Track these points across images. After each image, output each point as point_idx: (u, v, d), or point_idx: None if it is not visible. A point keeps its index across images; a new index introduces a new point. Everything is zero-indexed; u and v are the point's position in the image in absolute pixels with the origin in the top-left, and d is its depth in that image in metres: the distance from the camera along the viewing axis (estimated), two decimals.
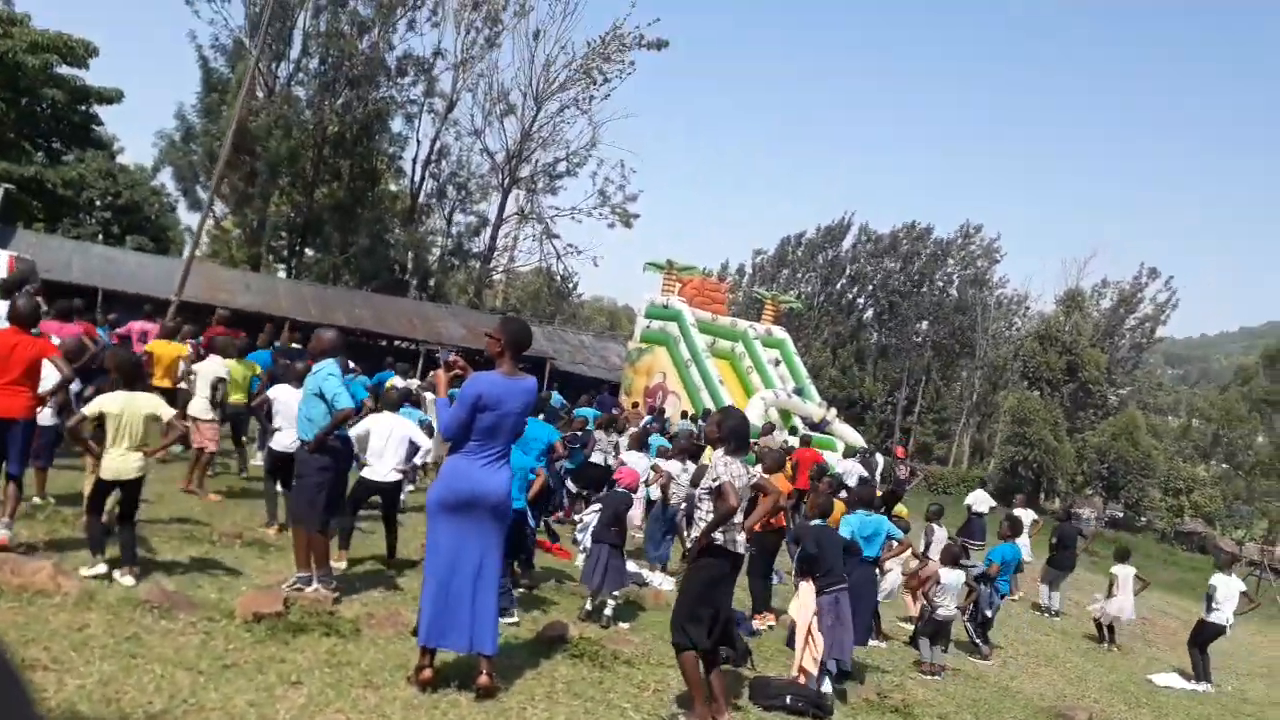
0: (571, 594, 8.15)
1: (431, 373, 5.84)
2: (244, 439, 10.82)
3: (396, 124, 36.83)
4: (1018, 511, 14.61)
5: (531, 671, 5.71)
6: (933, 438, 62.78)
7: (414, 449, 7.47)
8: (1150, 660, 11.69)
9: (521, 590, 7.76)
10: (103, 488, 6.04)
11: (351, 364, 16.91)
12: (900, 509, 18.84)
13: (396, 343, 28.80)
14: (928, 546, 11.40)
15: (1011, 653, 10.33)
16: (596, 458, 12.14)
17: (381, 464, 7.31)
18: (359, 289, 32.82)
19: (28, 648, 4.43)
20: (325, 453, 6.48)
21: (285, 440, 7.64)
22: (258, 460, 10.73)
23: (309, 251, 37.05)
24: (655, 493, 9.55)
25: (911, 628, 9.64)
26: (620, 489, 7.56)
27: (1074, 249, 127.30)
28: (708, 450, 8.78)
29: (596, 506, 7.52)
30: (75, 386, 7.69)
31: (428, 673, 4.98)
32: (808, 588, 6.75)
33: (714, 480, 5.39)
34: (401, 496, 8.59)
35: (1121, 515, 46.72)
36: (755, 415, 22.78)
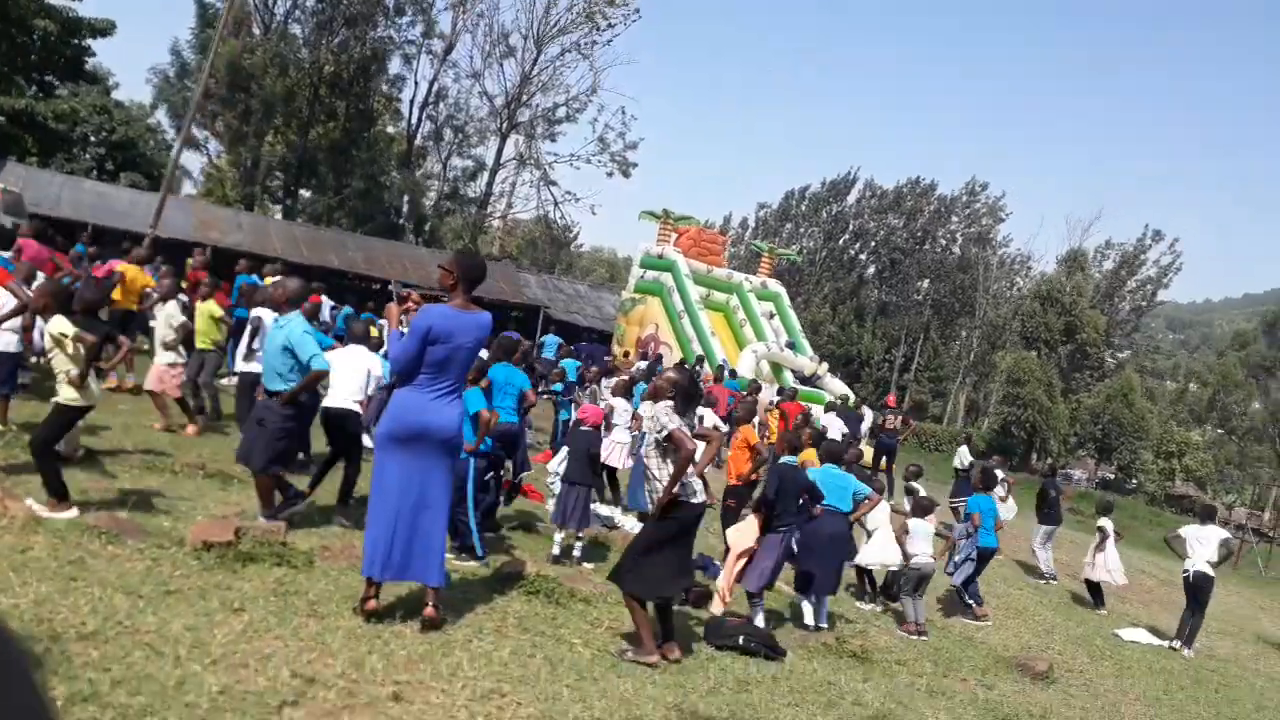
0: (540, 534, 8.16)
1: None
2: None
3: (394, 65, 36.34)
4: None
5: (484, 607, 5.72)
6: (928, 396, 62.84)
7: (370, 380, 7.43)
8: (1120, 616, 11.74)
9: (490, 535, 7.77)
10: (76, 417, 5.97)
11: (332, 303, 16.83)
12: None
13: (390, 286, 28.67)
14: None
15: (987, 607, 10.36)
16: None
17: (337, 393, 7.26)
18: (354, 231, 32.61)
19: None
20: (292, 404, 6.49)
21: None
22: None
23: (305, 193, 36.76)
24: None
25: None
26: (585, 428, 7.52)
27: (1080, 209, 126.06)
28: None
29: (564, 451, 7.50)
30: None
31: (373, 603, 4.98)
32: (753, 520, 6.81)
33: (661, 431, 5.35)
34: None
35: (1113, 477, 46.94)
36: (746, 368, 22.73)
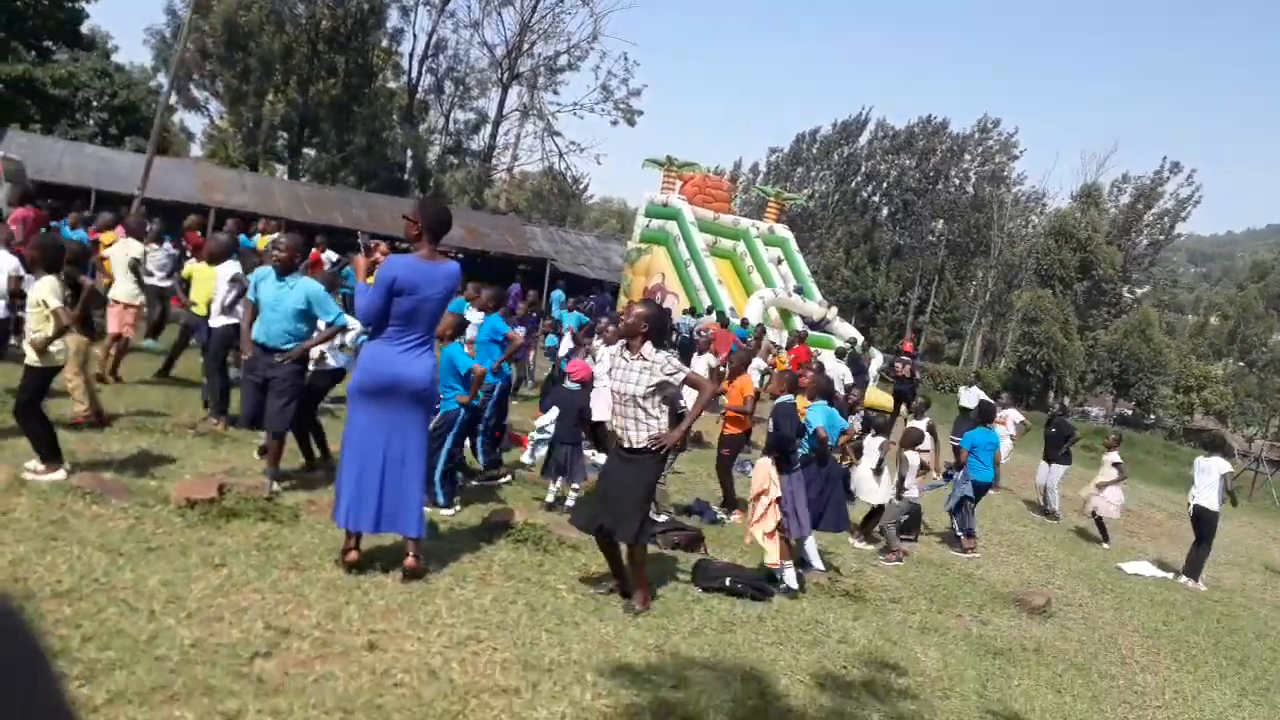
0: (528, 483, 8.18)
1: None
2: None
3: (392, 18, 35.85)
4: (1005, 411, 14.48)
5: (470, 555, 5.75)
6: (944, 338, 62.50)
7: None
8: (1126, 550, 11.72)
9: (476, 483, 7.80)
10: (46, 377, 5.97)
11: (335, 256, 16.79)
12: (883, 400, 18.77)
13: (398, 245, 28.60)
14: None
15: (984, 542, 10.34)
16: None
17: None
18: (358, 189, 32.47)
19: None
20: (300, 362, 6.48)
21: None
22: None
23: (309, 151, 36.57)
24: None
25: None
26: (572, 383, 7.49)
27: (1095, 143, 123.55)
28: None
29: (554, 411, 7.46)
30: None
31: (353, 555, 5.00)
32: (766, 462, 6.73)
33: (674, 373, 5.25)
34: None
35: (1131, 413, 46.70)
36: (754, 314, 22.62)
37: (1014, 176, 57.25)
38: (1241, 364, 52.48)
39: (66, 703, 0.72)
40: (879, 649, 5.80)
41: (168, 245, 10.59)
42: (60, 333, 5.68)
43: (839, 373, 15.55)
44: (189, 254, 10.88)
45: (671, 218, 25.37)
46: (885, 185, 59.82)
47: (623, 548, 5.41)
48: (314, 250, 15.57)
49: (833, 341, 21.65)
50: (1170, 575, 10.44)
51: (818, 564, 7.50)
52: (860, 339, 23.73)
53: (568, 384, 7.56)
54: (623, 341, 5.40)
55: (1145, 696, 6.21)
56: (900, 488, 8.90)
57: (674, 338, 18.47)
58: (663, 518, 7.73)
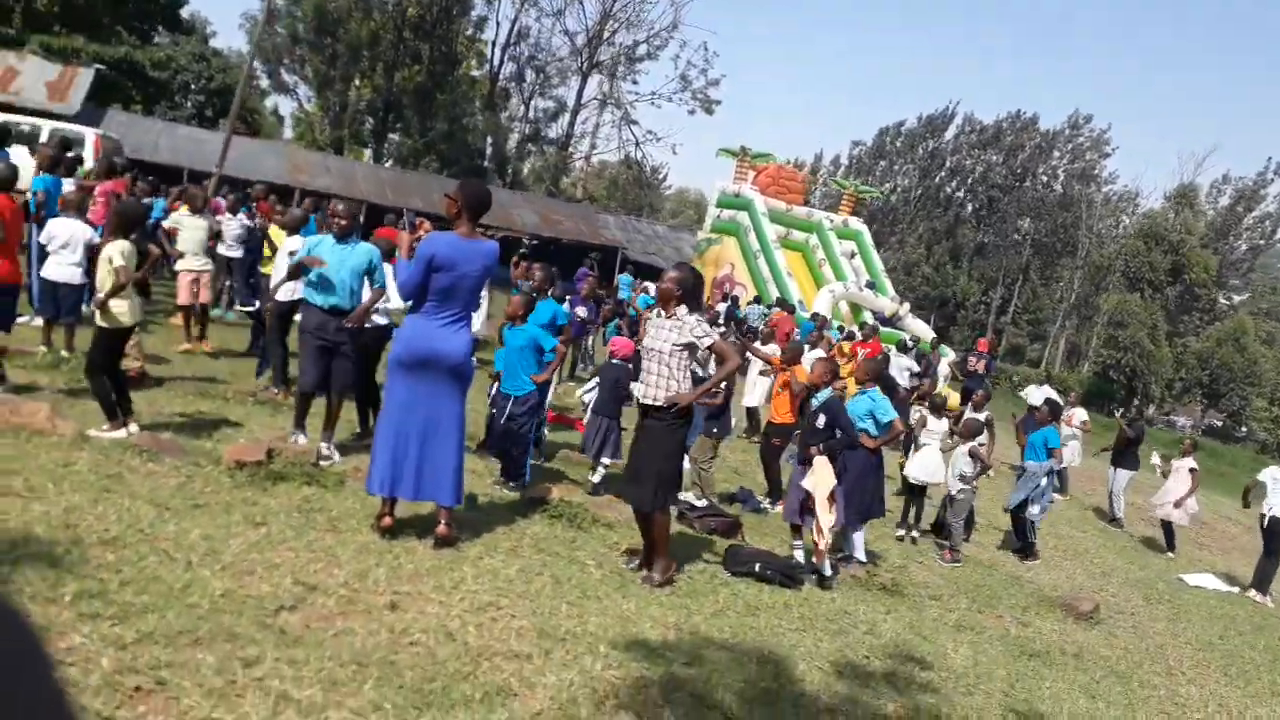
0: (575, 463, 8.30)
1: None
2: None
3: (476, 6, 36.40)
4: (1072, 410, 14.10)
5: (504, 528, 5.88)
6: (1026, 340, 60.92)
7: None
8: (1192, 562, 11.33)
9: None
10: (117, 338, 6.27)
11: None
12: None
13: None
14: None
15: (1040, 546, 10.13)
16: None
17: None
18: (440, 174, 33.11)
19: (7, 478, 4.76)
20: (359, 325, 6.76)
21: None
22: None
23: (393, 136, 37.43)
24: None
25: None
26: (616, 360, 7.57)
27: (1194, 142, 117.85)
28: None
29: (595, 381, 7.56)
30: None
31: (388, 520, 5.18)
32: (822, 462, 6.66)
33: (702, 337, 5.31)
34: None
35: (1221, 424, 44.84)
36: (823, 307, 22.40)
37: (1105, 175, 55.43)
38: None
39: (66, 699, 0.72)
40: (907, 642, 5.76)
41: (242, 216, 10.99)
42: (117, 289, 5.97)
43: (902, 365, 15.35)
44: (262, 222, 11.24)
45: (743, 208, 25.26)
46: (970, 181, 58.51)
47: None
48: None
49: (900, 337, 21.30)
50: (1236, 589, 10.08)
51: (861, 556, 7.45)
52: (932, 335, 23.28)
53: (613, 360, 7.65)
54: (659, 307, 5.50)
55: (1185, 708, 6.04)
56: (960, 478, 8.72)
57: (743, 327, 18.47)
58: (703, 502, 7.78)
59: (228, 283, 11.42)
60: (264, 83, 38.30)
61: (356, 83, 34.16)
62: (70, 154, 10.19)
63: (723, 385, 6.79)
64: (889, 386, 8.53)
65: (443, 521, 5.21)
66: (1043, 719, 5.13)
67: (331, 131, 34.69)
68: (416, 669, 3.79)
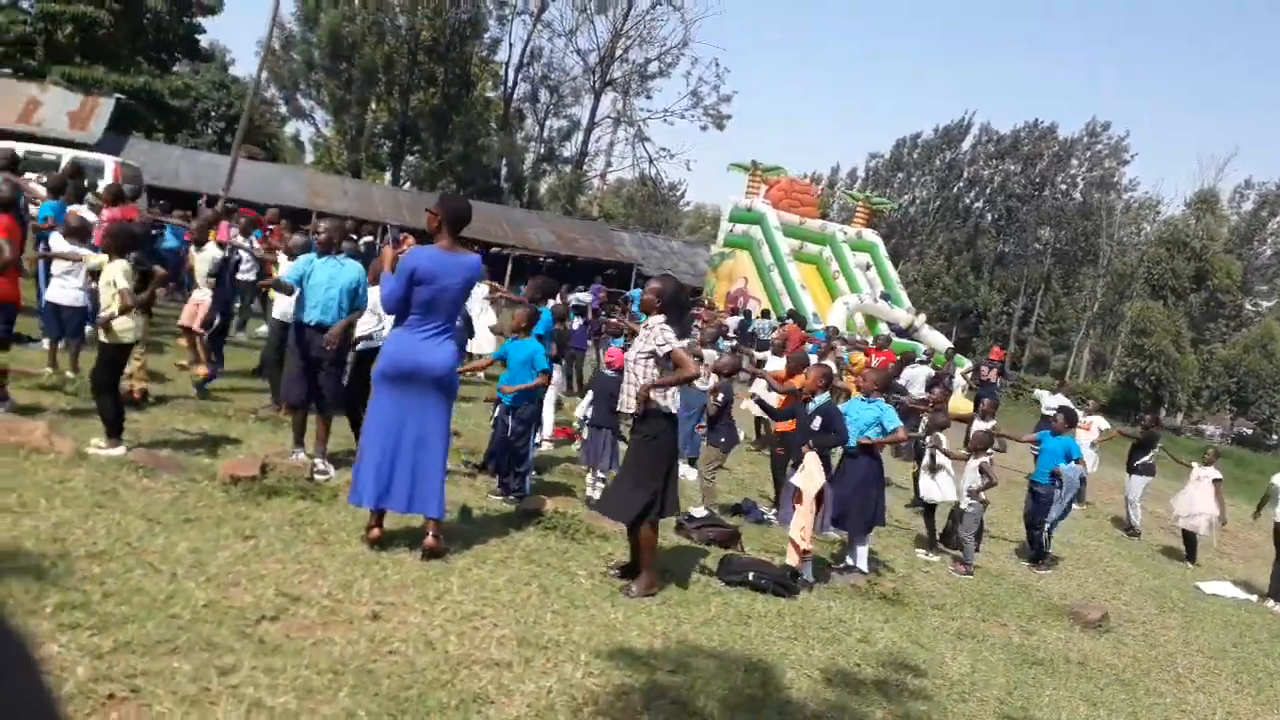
0: (573, 474, 8.30)
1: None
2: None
3: (490, 28, 36.79)
4: (1090, 417, 13.93)
5: (495, 539, 5.89)
6: (1049, 350, 60.37)
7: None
8: (1212, 570, 11.13)
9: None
10: (119, 354, 6.35)
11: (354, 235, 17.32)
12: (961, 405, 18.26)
13: (492, 249, 29.26)
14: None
15: (1054, 553, 10.00)
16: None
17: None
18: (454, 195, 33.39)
19: (1, 494, 4.84)
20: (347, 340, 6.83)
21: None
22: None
23: (410, 159, 37.84)
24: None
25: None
26: (609, 371, 7.59)
27: (1215, 146, 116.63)
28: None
29: (590, 395, 7.58)
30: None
31: (376, 532, 5.21)
32: (813, 460, 6.65)
33: (661, 345, 5.35)
34: None
35: (1251, 431, 44.14)
36: (838, 319, 22.35)
37: (1125, 182, 55.03)
38: None
39: (55, 705, 0.72)
40: (902, 650, 5.69)
41: (253, 240, 11.14)
42: (123, 311, 6.07)
43: (914, 375, 15.26)
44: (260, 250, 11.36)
45: (755, 222, 25.29)
46: (989, 191, 58.29)
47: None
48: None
49: (916, 349, 21.20)
50: (1254, 597, 9.88)
51: (863, 567, 7.39)
52: (949, 346, 23.14)
53: (606, 371, 7.67)
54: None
55: (1192, 716, 5.92)
56: (969, 493, 8.64)
57: (754, 341, 18.44)
58: (703, 513, 7.75)
59: (236, 304, 11.56)
60: (282, 109, 38.90)
61: (373, 106, 34.63)
62: (76, 179, 10.34)
63: (678, 389, 6.64)
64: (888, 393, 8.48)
65: (430, 534, 5.23)
66: None
67: (349, 155, 35.11)
68: (394, 677, 3.80)
